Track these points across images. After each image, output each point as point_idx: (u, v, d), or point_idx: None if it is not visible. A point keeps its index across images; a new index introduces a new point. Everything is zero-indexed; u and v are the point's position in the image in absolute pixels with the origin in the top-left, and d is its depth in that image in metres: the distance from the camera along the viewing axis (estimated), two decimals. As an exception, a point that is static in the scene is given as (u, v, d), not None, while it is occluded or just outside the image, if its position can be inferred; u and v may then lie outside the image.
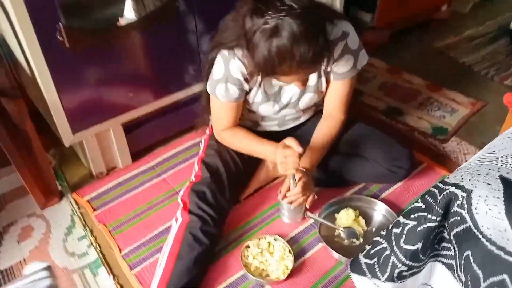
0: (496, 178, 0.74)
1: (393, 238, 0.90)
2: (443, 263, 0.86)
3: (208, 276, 1.27)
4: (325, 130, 1.41)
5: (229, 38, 1.17)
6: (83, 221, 1.47)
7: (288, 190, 1.32)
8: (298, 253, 1.33)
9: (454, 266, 0.81)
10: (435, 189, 0.84)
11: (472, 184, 0.75)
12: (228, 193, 1.36)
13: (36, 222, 1.47)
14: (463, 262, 0.76)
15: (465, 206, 0.74)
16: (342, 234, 1.36)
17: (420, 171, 1.60)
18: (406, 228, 0.86)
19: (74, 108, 1.40)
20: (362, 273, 0.99)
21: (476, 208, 0.72)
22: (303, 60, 1.01)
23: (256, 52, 1.03)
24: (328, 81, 1.35)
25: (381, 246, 0.94)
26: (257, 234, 1.40)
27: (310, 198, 1.33)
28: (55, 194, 1.54)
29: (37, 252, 1.37)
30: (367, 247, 1.01)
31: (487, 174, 0.76)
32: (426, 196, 0.85)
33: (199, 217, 1.26)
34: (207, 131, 1.52)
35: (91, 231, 1.43)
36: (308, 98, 1.37)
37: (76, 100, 1.40)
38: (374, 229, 1.40)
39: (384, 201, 1.47)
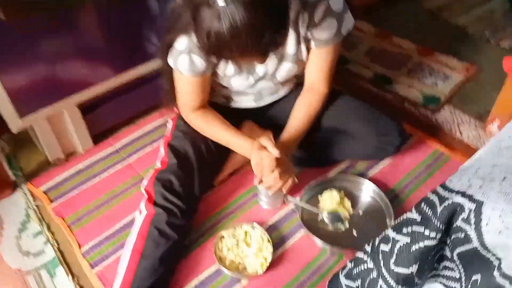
0: None
1: (380, 257, 0.73)
2: (444, 285, 0.70)
3: (178, 272, 1.14)
4: (306, 106, 1.26)
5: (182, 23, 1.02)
6: (39, 215, 1.32)
7: None
8: (278, 242, 1.21)
9: (459, 290, 0.66)
10: (434, 197, 0.67)
11: (483, 194, 0.59)
12: (199, 180, 1.22)
13: (-14, 218, 1.32)
14: (469, 287, 0.61)
15: (472, 221, 0.58)
16: (326, 219, 1.23)
17: (411, 145, 1.46)
18: (397, 246, 0.70)
19: (18, 89, 1.22)
20: None
21: (487, 225, 0.57)
22: (244, 53, 0.88)
23: (197, 31, 0.89)
24: (309, 49, 1.19)
25: (365, 266, 0.78)
26: (232, 222, 1.26)
27: (290, 182, 1.19)
28: (8, 184, 1.38)
29: (-14, 253, 1.22)
30: (348, 265, 0.85)
31: (503, 179, 0.59)
32: (423, 205, 0.69)
33: (166, 209, 1.12)
34: (175, 110, 1.35)
35: (48, 226, 1.29)
36: (287, 69, 1.21)
37: (20, 79, 1.22)
38: (361, 212, 1.27)
39: (371, 180, 1.34)
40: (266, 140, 1.10)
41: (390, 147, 1.31)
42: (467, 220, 0.60)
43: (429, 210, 0.67)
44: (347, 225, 1.24)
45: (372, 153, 1.34)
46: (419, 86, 1.69)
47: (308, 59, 1.22)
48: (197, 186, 1.21)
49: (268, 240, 1.18)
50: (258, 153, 1.12)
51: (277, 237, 1.22)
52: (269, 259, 1.14)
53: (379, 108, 1.34)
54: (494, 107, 1.43)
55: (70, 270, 1.18)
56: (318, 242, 1.18)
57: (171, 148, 1.24)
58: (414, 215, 0.70)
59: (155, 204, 1.13)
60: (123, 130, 1.57)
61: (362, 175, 1.37)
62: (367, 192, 1.31)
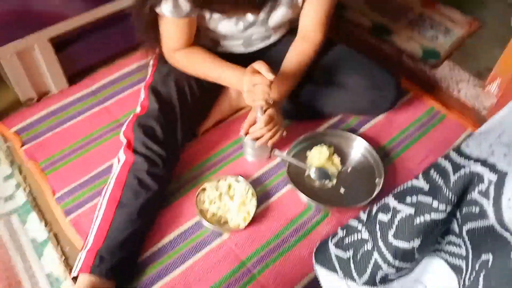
0: None
1: (377, 227, 0.66)
2: (446, 261, 0.64)
3: (156, 223, 1.09)
4: (299, 54, 1.18)
5: None
6: (11, 157, 1.23)
7: (254, 124, 1.11)
8: (263, 196, 1.16)
9: (464, 269, 0.59)
10: (446, 163, 0.58)
11: (509, 163, 0.51)
12: (182, 128, 1.14)
13: (-48, 159, 1.23)
14: (477, 267, 0.55)
15: (491, 194, 0.51)
16: (313, 175, 1.18)
17: (406, 102, 1.40)
18: (399, 217, 0.62)
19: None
20: (332, 268, 0.76)
21: (509, 200, 0.50)
22: (236, 5, 0.78)
23: None
24: None
25: (359, 236, 0.71)
26: (216, 174, 1.20)
27: (278, 135, 1.13)
28: (-24, 124, 1.28)
29: (-48, 196, 1.15)
30: (340, 233, 0.77)
31: None
32: (432, 172, 0.60)
33: (146, 158, 1.05)
34: (157, 50, 1.24)
35: (20, 170, 1.21)
36: (281, 14, 1.11)
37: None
38: (349, 169, 1.22)
39: (363, 135, 1.28)
40: (260, 64, 1.01)
41: (385, 102, 1.24)
42: (485, 193, 0.52)
43: (440, 179, 0.59)
44: (334, 182, 1.19)
45: (365, 108, 1.27)
46: (419, 39, 1.59)
47: (304, 3, 1.12)
48: (180, 134, 1.13)
49: (252, 194, 1.13)
50: (251, 78, 1.03)
51: (262, 192, 1.17)
52: (252, 214, 1.09)
53: (376, 60, 1.25)
54: (497, 66, 1.35)
55: (43, 217, 1.12)
56: (304, 198, 1.14)
57: (152, 91, 1.15)
58: (421, 183, 0.62)
59: (135, 151, 1.05)
60: (101, 71, 1.46)
61: (354, 130, 1.31)
62: (358, 148, 1.26)
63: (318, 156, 1.21)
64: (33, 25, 1.20)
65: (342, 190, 1.18)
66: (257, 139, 1.12)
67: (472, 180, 0.55)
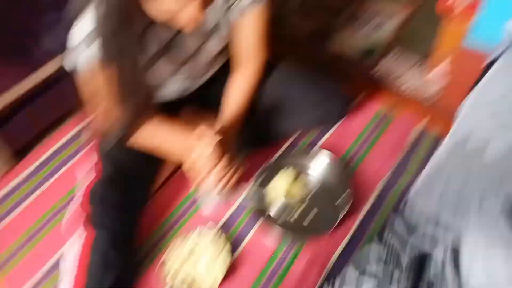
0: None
1: None
2: None
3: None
4: (239, 89, 1.14)
5: None
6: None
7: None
8: (234, 242, 1.12)
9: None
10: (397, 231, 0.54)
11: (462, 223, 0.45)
12: (140, 189, 1.09)
13: None
14: None
15: (448, 266, 0.47)
16: (273, 216, 1.15)
17: (356, 108, 1.36)
18: None
19: None
20: None
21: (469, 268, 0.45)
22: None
23: None
24: (233, 21, 1.04)
25: None
26: (178, 233, 1.14)
27: (235, 177, 1.05)
28: None
29: None
30: None
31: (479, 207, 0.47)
32: (386, 234, 0.57)
33: (106, 229, 0.99)
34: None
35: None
36: (212, 48, 1.07)
37: None
38: (316, 189, 1.20)
39: (324, 147, 1.28)
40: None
41: (333, 114, 1.25)
42: (441, 270, 0.48)
43: (394, 256, 0.55)
44: (300, 209, 1.16)
45: (317, 121, 1.28)
46: (355, 39, 1.54)
47: (234, 31, 1.06)
48: (140, 196, 1.09)
49: (222, 248, 1.08)
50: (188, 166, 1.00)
51: (231, 237, 1.13)
52: (223, 270, 1.04)
53: (319, 70, 1.25)
54: (435, 53, 1.33)
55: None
56: (275, 235, 1.11)
57: (103, 154, 1.08)
58: (378, 249, 0.58)
59: (94, 224, 0.99)
60: (45, 141, 1.36)
61: (314, 144, 1.31)
62: (322, 161, 1.23)
63: (277, 188, 1.18)
64: None
65: (306, 222, 1.15)
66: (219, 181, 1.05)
67: (424, 260, 0.51)
